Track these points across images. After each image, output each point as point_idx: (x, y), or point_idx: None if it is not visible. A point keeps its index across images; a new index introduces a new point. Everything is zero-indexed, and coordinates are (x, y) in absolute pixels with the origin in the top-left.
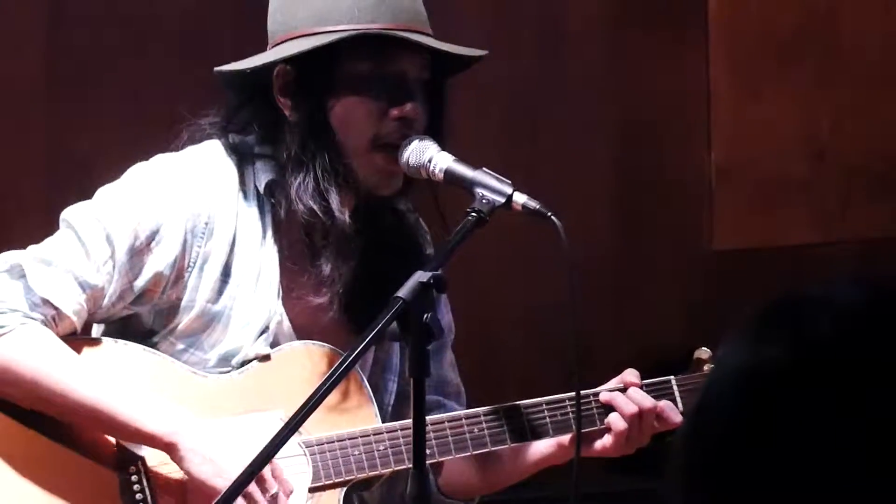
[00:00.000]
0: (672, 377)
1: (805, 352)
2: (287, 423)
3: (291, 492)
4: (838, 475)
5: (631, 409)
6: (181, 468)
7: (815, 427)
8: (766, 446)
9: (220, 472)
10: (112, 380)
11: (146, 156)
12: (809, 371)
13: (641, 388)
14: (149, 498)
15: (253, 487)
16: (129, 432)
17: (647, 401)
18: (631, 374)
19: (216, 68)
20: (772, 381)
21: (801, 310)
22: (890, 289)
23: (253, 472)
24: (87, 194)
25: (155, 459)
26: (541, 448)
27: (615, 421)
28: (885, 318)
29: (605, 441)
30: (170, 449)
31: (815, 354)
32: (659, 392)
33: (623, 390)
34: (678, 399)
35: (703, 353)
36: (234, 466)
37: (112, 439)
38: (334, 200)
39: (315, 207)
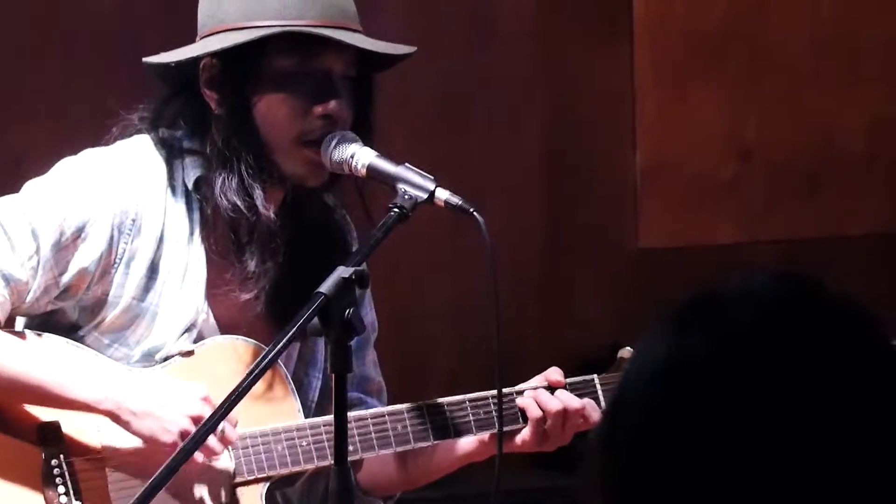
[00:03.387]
0: (595, 375)
1: (724, 346)
2: (209, 418)
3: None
4: (757, 468)
5: (556, 405)
6: (128, 430)
7: (732, 421)
8: (683, 441)
9: (165, 425)
10: (42, 354)
11: (75, 150)
12: (728, 365)
13: (566, 387)
14: (72, 495)
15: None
16: (64, 400)
17: (574, 400)
18: (555, 373)
19: (145, 59)
20: (689, 375)
21: (721, 304)
22: (808, 283)
23: (175, 467)
24: (14, 189)
25: (70, 425)
26: (462, 445)
27: (532, 410)
28: (804, 312)
29: (525, 435)
30: (107, 411)
31: (733, 348)
32: (582, 390)
33: (547, 388)
34: (601, 397)
35: (626, 352)
36: (177, 415)
37: (35, 416)
38: (258, 196)
39: (239, 203)
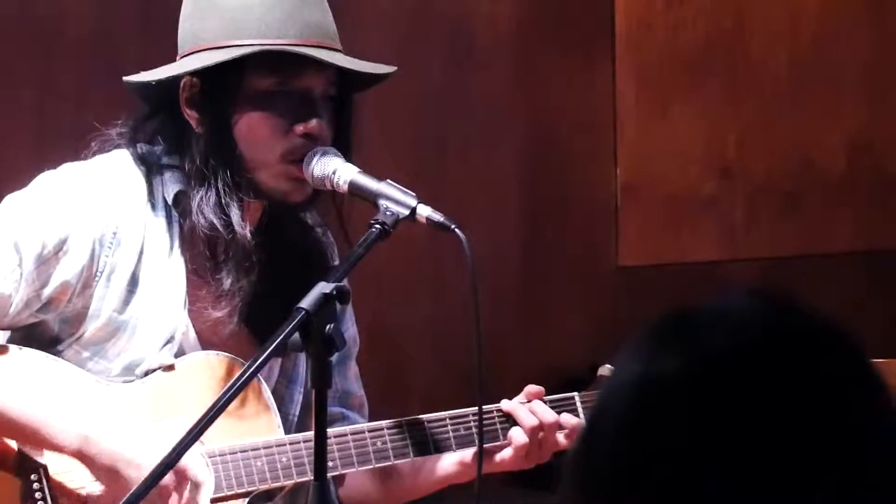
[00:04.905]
0: (575, 393)
1: (698, 365)
2: (188, 433)
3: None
4: (732, 487)
5: (531, 421)
6: (93, 476)
7: (706, 441)
8: (657, 460)
9: (128, 485)
10: (19, 387)
11: (53, 165)
12: (702, 385)
13: (545, 403)
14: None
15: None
16: (38, 441)
17: (549, 414)
18: (535, 390)
19: (125, 78)
20: (663, 395)
21: (696, 323)
22: (784, 302)
23: (153, 481)
24: None
25: (56, 466)
26: (443, 466)
27: (516, 435)
28: (778, 333)
29: (505, 454)
30: (79, 458)
31: (708, 368)
32: (562, 408)
33: (526, 403)
34: (581, 415)
35: (606, 369)
36: (142, 475)
37: (13, 445)
38: (235, 215)
39: (216, 222)
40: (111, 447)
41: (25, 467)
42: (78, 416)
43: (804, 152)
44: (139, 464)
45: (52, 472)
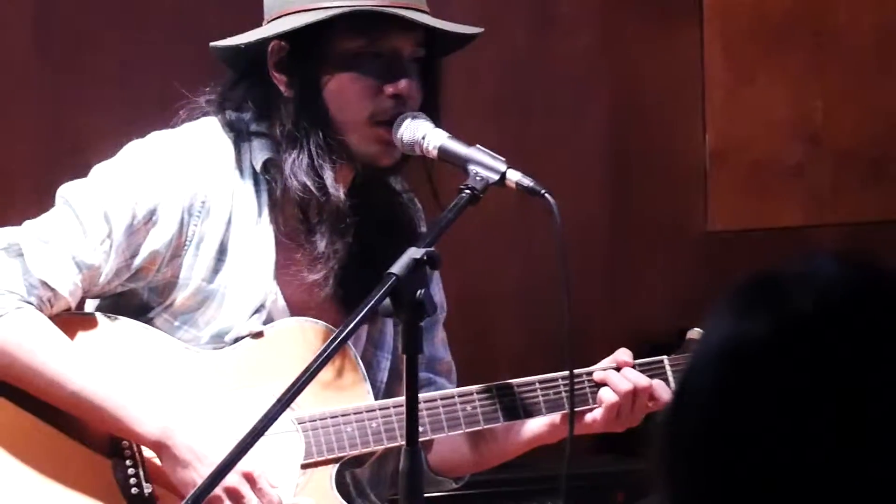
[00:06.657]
0: (665, 357)
1: (785, 328)
2: (279, 400)
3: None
4: (815, 450)
5: (626, 385)
6: (167, 471)
7: (793, 403)
8: (747, 422)
9: (199, 482)
10: (105, 371)
11: (139, 133)
12: (789, 348)
13: (634, 367)
14: (142, 476)
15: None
16: (119, 429)
17: (642, 379)
18: (624, 354)
19: (212, 44)
20: (752, 356)
21: (782, 286)
22: (869, 266)
23: (241, 452)
24: (79, 173)
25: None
26: (532, 427)
27: (606, 395)
28: (864, 296)
29: (596, 414)
30: (157, 450)
31: (795, 331)
32: (651, 372)
33: (617, 370)
34: (670, 379)
35: (696, 333)
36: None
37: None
38: (328, 177)
39: (309, 184)
40: (188, 436)
41: (117, 445)
42: (159, 404)
43: (890, 119)
44: (208, 462)
45: (146, 453)
